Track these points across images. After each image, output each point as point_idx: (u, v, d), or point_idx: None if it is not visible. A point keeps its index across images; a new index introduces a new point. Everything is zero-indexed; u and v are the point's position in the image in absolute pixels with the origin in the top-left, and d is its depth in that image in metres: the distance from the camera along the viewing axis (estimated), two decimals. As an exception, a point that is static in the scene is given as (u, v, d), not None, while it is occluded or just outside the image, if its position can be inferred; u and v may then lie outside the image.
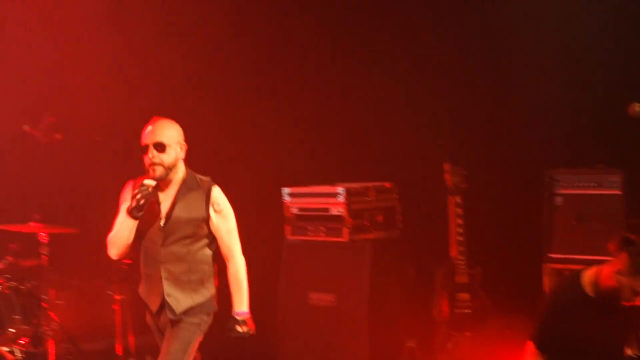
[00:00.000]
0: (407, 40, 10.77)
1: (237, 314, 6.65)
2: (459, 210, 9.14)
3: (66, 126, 8.67)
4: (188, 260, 6.57)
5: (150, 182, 6.42)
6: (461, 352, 9.12)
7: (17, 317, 8.10)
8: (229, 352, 10.57)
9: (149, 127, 6.64)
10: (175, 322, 6.59)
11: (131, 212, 6.36)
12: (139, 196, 6.34)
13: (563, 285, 7.06)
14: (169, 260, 6.51)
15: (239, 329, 6.68)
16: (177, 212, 6.53)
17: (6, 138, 9.71)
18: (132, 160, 9.28)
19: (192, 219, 6.58)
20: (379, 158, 10.78)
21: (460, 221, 9.13)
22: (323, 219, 9.71)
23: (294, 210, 9.87)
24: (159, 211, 6.55)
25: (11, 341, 7.98)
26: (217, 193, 6.72)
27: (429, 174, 9.57)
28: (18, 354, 7.86)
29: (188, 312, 6.58)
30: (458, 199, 9.14)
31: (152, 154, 6.49)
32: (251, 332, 6.84)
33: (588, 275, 6.73)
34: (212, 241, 6.74)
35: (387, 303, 9.59)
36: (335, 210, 9.60)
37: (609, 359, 6.74)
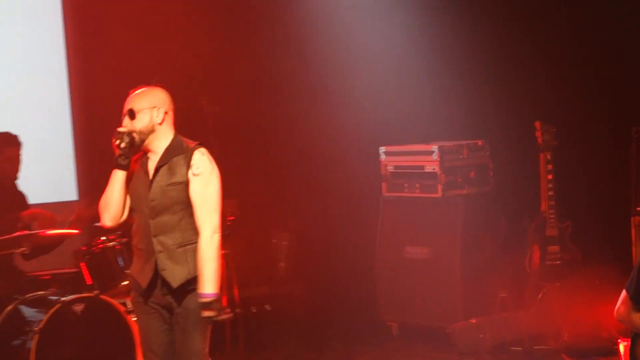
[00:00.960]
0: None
1: (200, 296, 5.98)
2: (549, 167, 9.15)
3: (172, 91, 8.83)
4: (181, 230, 6.08)
5: (122, 129, 6.13)
6: (551, 302, 9.14)
7: (128, 271, 8.22)
8: (331, 302, 10.98)
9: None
10: (179, 311, 6.12)
11: (117, 161, 6.08)
12: (117, 142, 6.04)
13: None
14: (161, 232, 6.08)
15: (204, 313, 5.98)
16: (158, 178, 6.11)
17: (116, 104, 9.76)
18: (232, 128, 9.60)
19: (172, 183, 6.09)
20: (471, 116, 10.61)
21: (550, 177, 9.15)
22: (418, 176, 9.81)
23: (390, 168, 9.99)
24: (147, 181, 6.18)
25: (124, 294, 8.03)
26: (198, 155, 6.13)
27: (521, 132, 9.60)
28: (129, 306, 7.81)
29: (186, 286, 6.07)
30: (548, 156, 9.16)
31: (123, 122, 6.17)
32: (224, 315, 6.32)
33: None
34: None
35: (479, 255, 9.68)
36: (429, 168, 9.71)
37: None
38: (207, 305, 5.97)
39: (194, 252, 6.03)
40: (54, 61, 10.68)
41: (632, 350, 6.72)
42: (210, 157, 6.18)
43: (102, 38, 10.76)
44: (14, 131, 8.68)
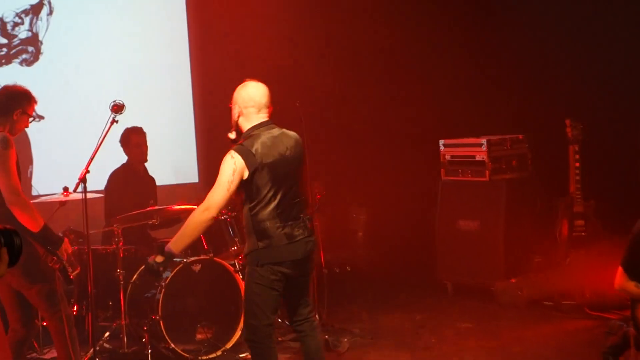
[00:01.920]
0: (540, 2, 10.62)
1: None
2: (577, 156, 9.11)
3: (272, 97, 8.77)
4: (244, 214, 5.82)
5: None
6: (577, 266, 9.09)
7: (237, 238, 8.09)
8: (399, 265, 11.05)
9: None
10: None
11: None
12: None
13: None
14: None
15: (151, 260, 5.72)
16: None
17: (228, 107, 9.94)
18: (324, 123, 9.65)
19: None
20: (514, 115, 10.68)
21: (577, 164, 9.12)
22: (470, 163, 9.78)
23: (447, 157, 9.94)
24: None
25: (232, 256, 8.05)
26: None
27: (554, 127, 9.49)
28: (237, 267, 7.91)
29: (246, 259, 5.89)
30: (576, 147, 9.12)
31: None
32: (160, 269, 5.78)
33: None
34: (247, 199, 5.76)
35: (519, 228, 9.63)
36: (479, 157, 9.68)
37: None
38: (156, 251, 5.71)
39: (247, 234, 5.75)
40: (180, 65, 10.73)
41: (632, 313, 6.76)
42: (240, 146, 5.72)
43: (219, 43, 10.84)
44: (147, 125, 8.86)
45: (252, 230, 5.71)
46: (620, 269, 6.58)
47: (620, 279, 6.62)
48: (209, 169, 10.53)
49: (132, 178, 8.72)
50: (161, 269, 5.75)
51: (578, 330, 8.29)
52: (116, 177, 8.69)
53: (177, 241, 5.71)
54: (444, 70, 11.33)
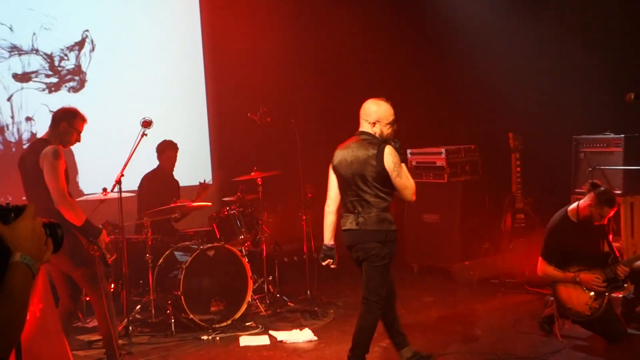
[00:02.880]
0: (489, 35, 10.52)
1: None
2: (518, 162, 9.12)
3: (273, 113, 8.62)
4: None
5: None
6: (518, 252, 9.12)
7: (243, 229, 8.15)
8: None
9: None
10: None
11: None
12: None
13: (557, 219, 7.06)
14: None
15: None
16: None
17: (237, 122, 9.87)
18: (310, 135, 9.72)
19: None
20: (468, 129, 10.69)
21: (518, 169, 9.12)
22: (431, 168, 9.82)
23: (414, 163, 9.98)
24: None
25: (240, 244, 8.10)
26: None
27: (500, 139, 9.43)
28: (244, 252, 7.95)
29: None
30: (517, 155, 9.12)
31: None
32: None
33: (571, 210, 6.89)
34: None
35: (471, 220, 9.71)
36: (439, 163, 9.73)
37: (592, 258, 6.80)
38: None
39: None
40: (195, 83, 10.70)
41: (553, 290, 6.87)
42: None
43: (230, 61, 10.79)
44: (169, 135, 8.87)
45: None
46: (540, 258, 6.85)
47: (541, 266, 6.88)
48: (220, 173, 10.58)
49: (160, 181, 8.75)
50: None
51: (519, 303, 8.32)
52: (147, 180, 8.72)
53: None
54: (412, 92, 11.32)
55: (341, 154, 5.83)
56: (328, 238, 6.04)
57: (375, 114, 5.84)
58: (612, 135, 8.58)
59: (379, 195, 5.76)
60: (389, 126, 5.86)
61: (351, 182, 5.78)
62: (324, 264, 6.15)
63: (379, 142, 5.75)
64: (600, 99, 9.45)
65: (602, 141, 8.66)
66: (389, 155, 5.70)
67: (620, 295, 7.29)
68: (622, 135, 8.47)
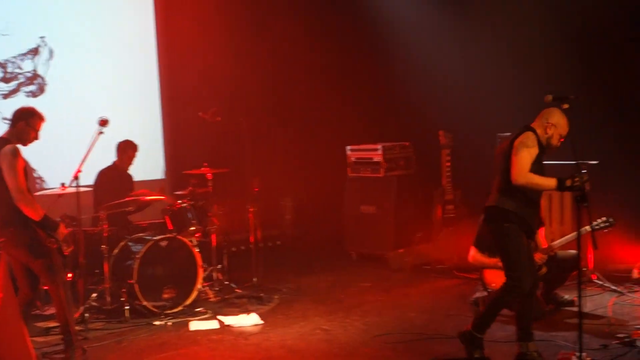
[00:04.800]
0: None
1: None
2: (448, 157, 9.26)
3: (223, 112, 8.60)
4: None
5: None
6: (448, 240, 9.26)
7: (194, 221, 8.03)
8: (316, 240, 11.04)
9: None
10: None
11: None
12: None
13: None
14: None
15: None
16: None
17: (190, 120, 9.67)
18: (258, 133, 9.69)
19: None
20: (402, 126, 10.69)
21: (448, 164, 9.26)
22: (369, 163, 9.83)
23: (353, 159, 9.98)
24: None
25: (191, 235, 7.99)
26: None
27: (431, 136, 9.51)
28: (194, 243, 7.89)
29: None
30: (447, 151, 9.26)
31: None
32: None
33: None
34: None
35: (405, 211, 9.74)
36: (376, 158, 9.75)
37: None
38: None
39: None
40: (150, 82, 10.55)
41: (480, 275, 6.95)
42: None
43: (183, 63, 10.65)
44: (123, 132, 8.66)
45: None
46: (472, 247, 6.90)
47: (473, 254, 6.91)
48: (172, 169, 10.48)
49: (116, 176, 8.60)
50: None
51: (449, 287, 8.39)
52: (103, 175, 8.56)
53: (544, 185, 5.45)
54: (352, 92, 11.34)
55: None
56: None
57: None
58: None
59: None
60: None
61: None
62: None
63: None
64: (522, 99, 9.51)
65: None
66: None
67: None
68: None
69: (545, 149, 5.68)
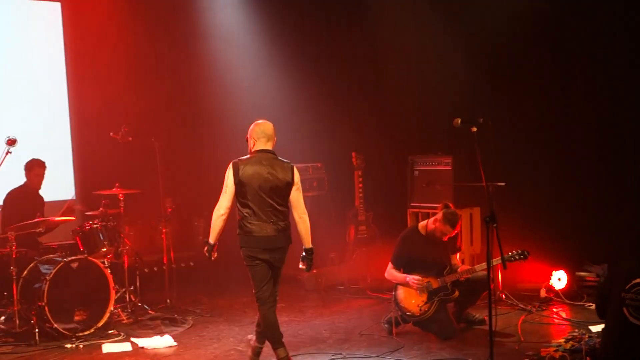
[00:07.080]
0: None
1: None
2: (360, 179, 9.41)
3: (134, 132, 8.61)
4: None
5: None
6: (361, 260, 9.42)
7: (105, 242, 7.98)
8: (229, 260, 10.98)
9: None
10: None
11: None
12: None
13: (408, 230, 7.46)
14: None
15: None
16: None
17: (101, 140, 9.63)
18: (170, 154, 9.66)
19: None
20: (315, 148, 10.63)
21: (360, 185, 9.41)
22: None
23: None
24: None
25: (102, 256, 7.95)
26: None
27: (344, 158, 9.68)
28: (106, 264, 7.82)
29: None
30: (360, 172, 9.40)
31: None
32: None
33: (421, 224, 7.26)
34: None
35: (319, 232, 9.01)
36: None
37: (433, 267, 7.11)
38: None
39: None
40: (59, 94, 10.38)
41: (394, 293, 7.13)
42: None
43: (93, 82, 10.44)
44: (33, 152, 8.57)
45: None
46: (390, 263, 7.02)
47: (388, 269, 7.14)
48: (83, 189, 10.31)
49: (25, 197, 8.45)
50: (209, 252, 6.34)
51: (362, 307, 8.52)
52: (12, 196, 8.41)
53: (211, 234, 6.29)
54: (262, 114, 11.02)
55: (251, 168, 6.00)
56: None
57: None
58: (442, 155, 8.97)
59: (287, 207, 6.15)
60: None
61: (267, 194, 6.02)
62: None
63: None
64: (431, 123, 9.90)
65: (434, 160, 9.04)
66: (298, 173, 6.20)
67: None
68: (451, 155, 8.88)
69: None
